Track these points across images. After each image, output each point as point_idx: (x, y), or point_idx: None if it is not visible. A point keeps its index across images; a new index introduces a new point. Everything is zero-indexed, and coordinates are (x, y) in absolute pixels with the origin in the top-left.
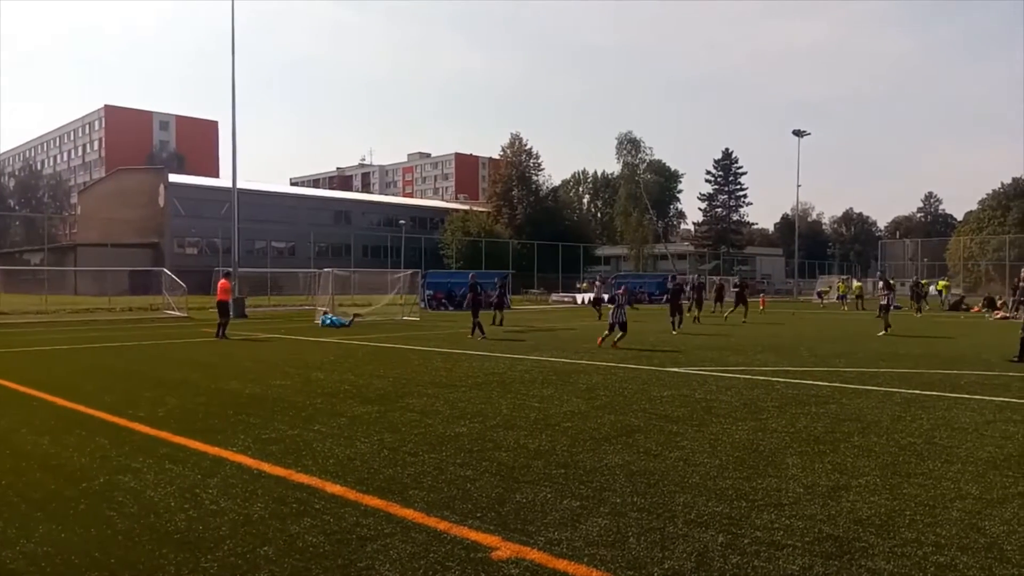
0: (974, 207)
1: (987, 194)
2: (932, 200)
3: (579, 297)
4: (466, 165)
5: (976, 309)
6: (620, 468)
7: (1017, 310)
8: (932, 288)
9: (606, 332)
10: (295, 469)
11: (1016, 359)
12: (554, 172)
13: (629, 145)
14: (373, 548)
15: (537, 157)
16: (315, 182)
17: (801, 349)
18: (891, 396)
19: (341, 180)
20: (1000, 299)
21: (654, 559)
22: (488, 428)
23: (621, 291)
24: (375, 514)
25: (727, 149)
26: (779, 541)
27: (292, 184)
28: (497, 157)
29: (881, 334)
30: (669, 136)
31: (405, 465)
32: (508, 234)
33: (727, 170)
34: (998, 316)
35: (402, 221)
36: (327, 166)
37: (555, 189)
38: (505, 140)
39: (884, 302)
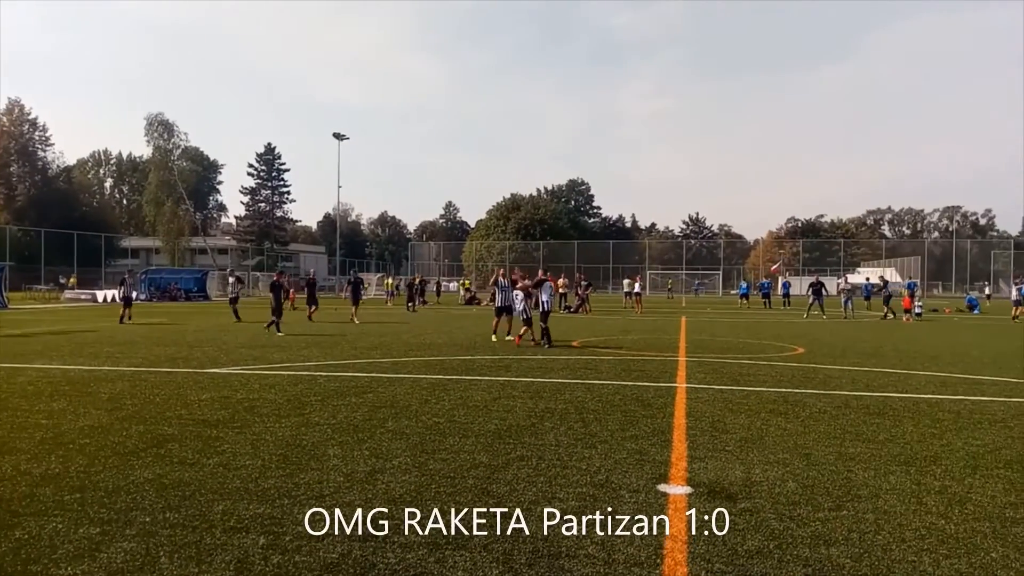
0: (484, 216)
1: (493, 205)
2: (451, 208)
3: (100, 294)
4: None
5: (485, 303)
6: (150, 483)
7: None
8: (453, 285)
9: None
10: None
11: (546, 343)
12: (68, 150)
13: (161, 128)
14: None
15: (45, 130)
16: None
17: (343, 343)
18: (419, 382)
19: None
20: None
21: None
22: None
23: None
24: None
25: (270, 144)
26: (320, 533)
27: None
28: None
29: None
30: (208, 123)
31: None
32: (3, 219)
33: (270, 165)
34: None
35: None
36: None
37: (69, 169)
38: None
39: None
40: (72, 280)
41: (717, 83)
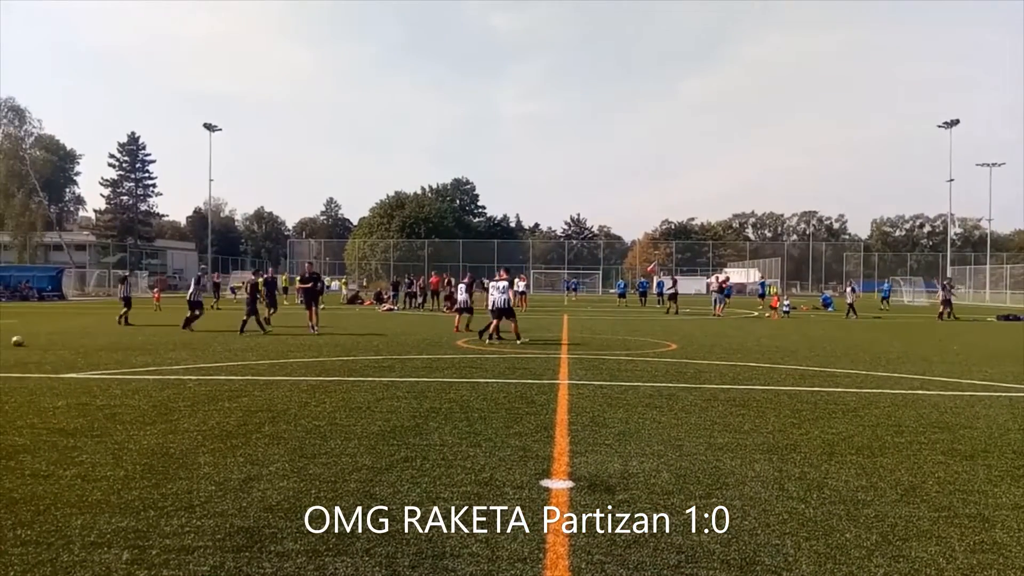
0: (367, 214)
1: (376, 203)
2: (333, 205)
3: None
4: None
5: (368, 303)
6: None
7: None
8: (335, 284)
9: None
10: None
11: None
12: None
13: (11, 114)
14: None
15: None
16: None
17: (215, 345)
18: (298, 384)
19: None
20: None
21: None
22: None
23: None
24: None
25: (133, 133)
26: (189, 545)
27: None
28: None
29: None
30: (65, 110)
31: None
32: None
33: (134, 156)
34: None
35: None
36: None
37: None
38: None
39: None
40: None
41: (594, 87)
